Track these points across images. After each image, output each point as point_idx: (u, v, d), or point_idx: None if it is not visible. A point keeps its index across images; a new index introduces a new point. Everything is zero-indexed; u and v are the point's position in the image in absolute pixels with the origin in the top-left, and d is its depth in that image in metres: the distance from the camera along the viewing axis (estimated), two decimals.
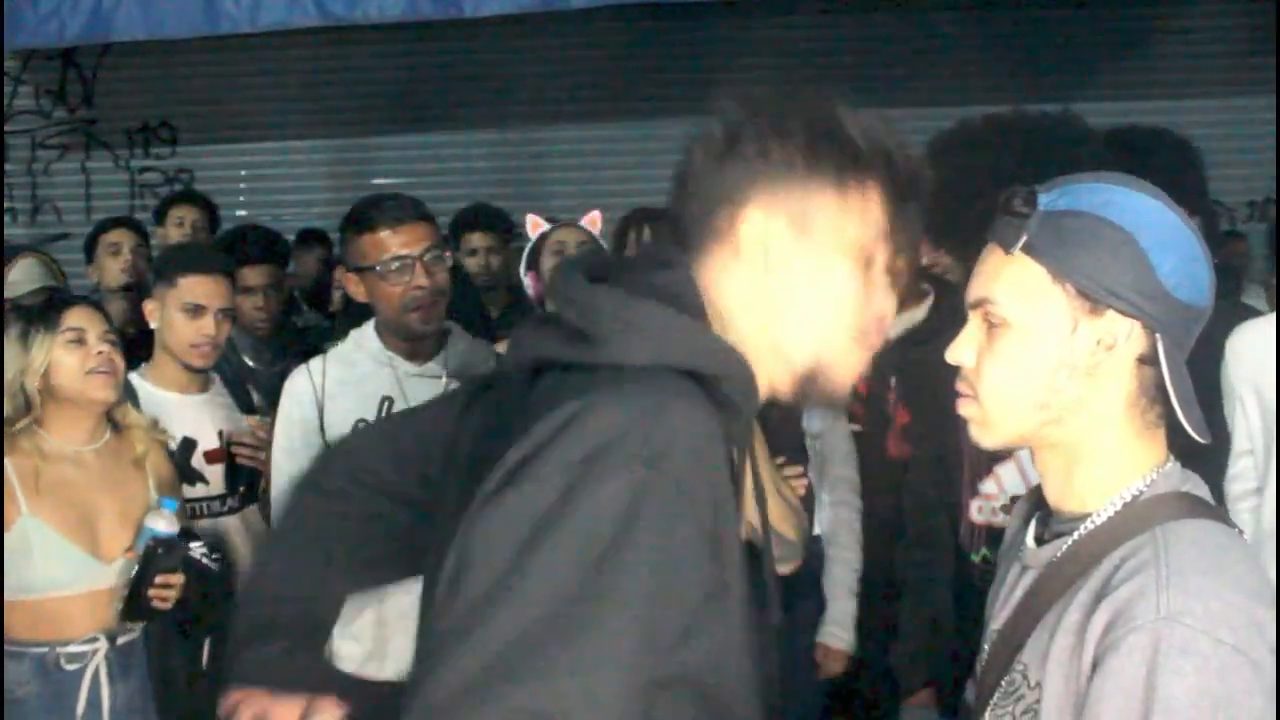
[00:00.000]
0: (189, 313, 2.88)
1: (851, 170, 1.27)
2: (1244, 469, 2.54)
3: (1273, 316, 2.54)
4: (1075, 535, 1.25)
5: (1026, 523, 1.38)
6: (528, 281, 3.23)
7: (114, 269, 4.10)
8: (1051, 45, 5.96)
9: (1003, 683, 1.27)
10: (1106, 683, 1.11)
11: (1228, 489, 2.55)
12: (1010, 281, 1.24)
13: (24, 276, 3.72)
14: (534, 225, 3.52)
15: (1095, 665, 1.13)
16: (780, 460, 2.29)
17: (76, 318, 2.55)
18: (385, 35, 5.28)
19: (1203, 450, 1.25)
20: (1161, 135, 2.88)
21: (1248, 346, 2.48)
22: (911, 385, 2.72)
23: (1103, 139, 2.36)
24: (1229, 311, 2.43)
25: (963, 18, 5.94)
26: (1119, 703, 1.10)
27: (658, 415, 1.11)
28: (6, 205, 6.30)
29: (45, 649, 2.44)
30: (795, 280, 1.26)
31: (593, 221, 3.43)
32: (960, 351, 1.29)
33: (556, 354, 1.23)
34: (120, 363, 2.59)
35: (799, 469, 2.32)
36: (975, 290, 1.28)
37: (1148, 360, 1.22)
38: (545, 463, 1.08)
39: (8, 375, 2.50)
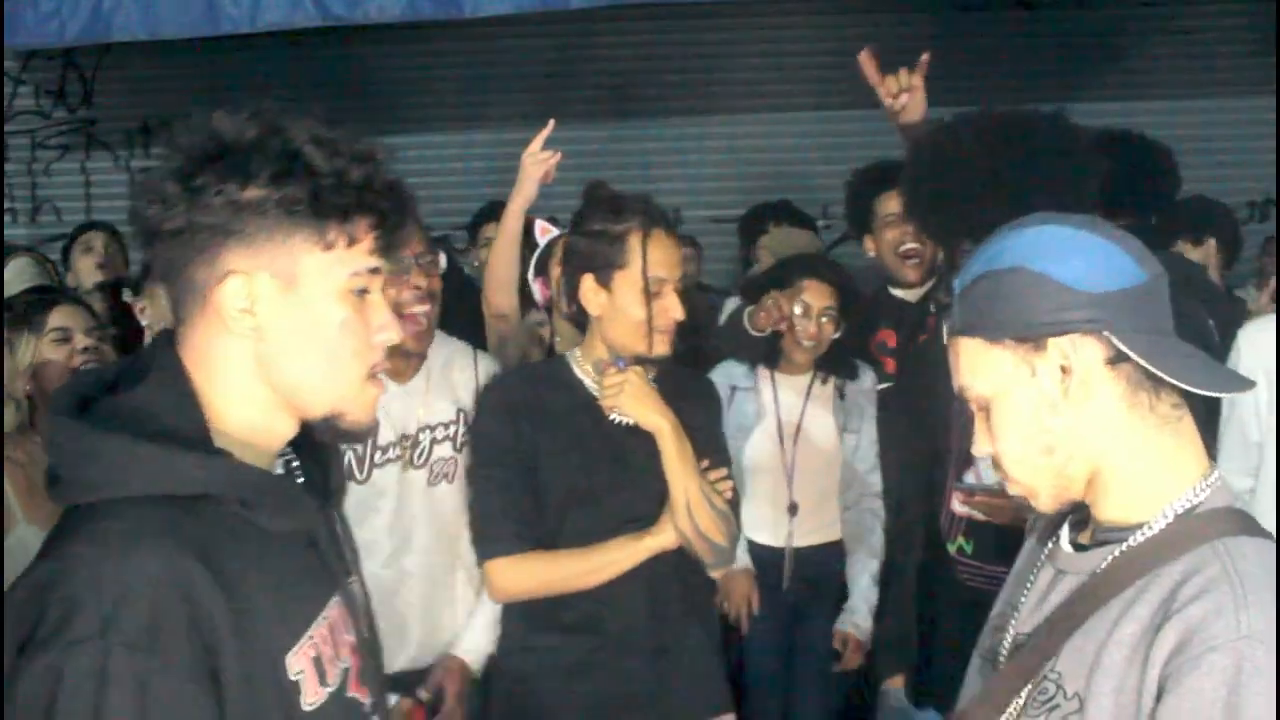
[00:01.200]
0: None
1: (329, 211, 1.21)
2: (1251, 464, 2.52)
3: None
4: (1124, 545, 1.26)
5: (1056, 526, 1.40)
6: (535, 286, 3.21)
7: (89, 267, 4.12)
8: (1051, 45, 5.96)
9: (1034, 689, 1.28)
10: (1184, 701, 1.12)
11: (1233, 480, 2.55)
12: (966, 364, 1.33)
13: (17, 276, 3.72)
14: (543, 230, 3.47)
15: (1165, 683, 1.14)
16: (704, 464, 2.33)
17: (61, 316, 2.57)
18: (385, 35, 5.28)
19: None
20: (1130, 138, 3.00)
21: (1266, 341, 2.47)
22: (904, 382, 2.74)
23: (1091, 138, 2.38)
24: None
25: (962, 18, 5.94)
26: (1203, 718, 1.11)
27: (103, 570, 1.09)
28: (6, 205, 6.30)
29: None
30: (290, 339, 1.23)
31: (543, 230, 3.30)
32: (981, 445, 1.35)
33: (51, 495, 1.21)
34: (110, 355, 2.59)
35: (723, 472, 2.35)
36: (956, 387, 1.36)
37: (1116, 359, 1.25)
38: (33, 649, 1.08)
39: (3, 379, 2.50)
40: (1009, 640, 1.37)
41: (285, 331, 1.22)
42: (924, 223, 2.49)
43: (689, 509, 2.26)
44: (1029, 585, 1.39)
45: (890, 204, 3.16)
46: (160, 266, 1.25)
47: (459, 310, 3.45)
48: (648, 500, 2.30)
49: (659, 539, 2.27)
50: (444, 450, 2.59)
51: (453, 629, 2.58)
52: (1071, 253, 1.26)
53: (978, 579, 2.38)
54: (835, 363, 3.30)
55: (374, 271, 1.27)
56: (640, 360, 2.32)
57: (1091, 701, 1.20)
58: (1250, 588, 1.15)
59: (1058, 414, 1.26)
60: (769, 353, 3.34)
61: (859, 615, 3.28)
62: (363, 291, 1.26)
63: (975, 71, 5.76)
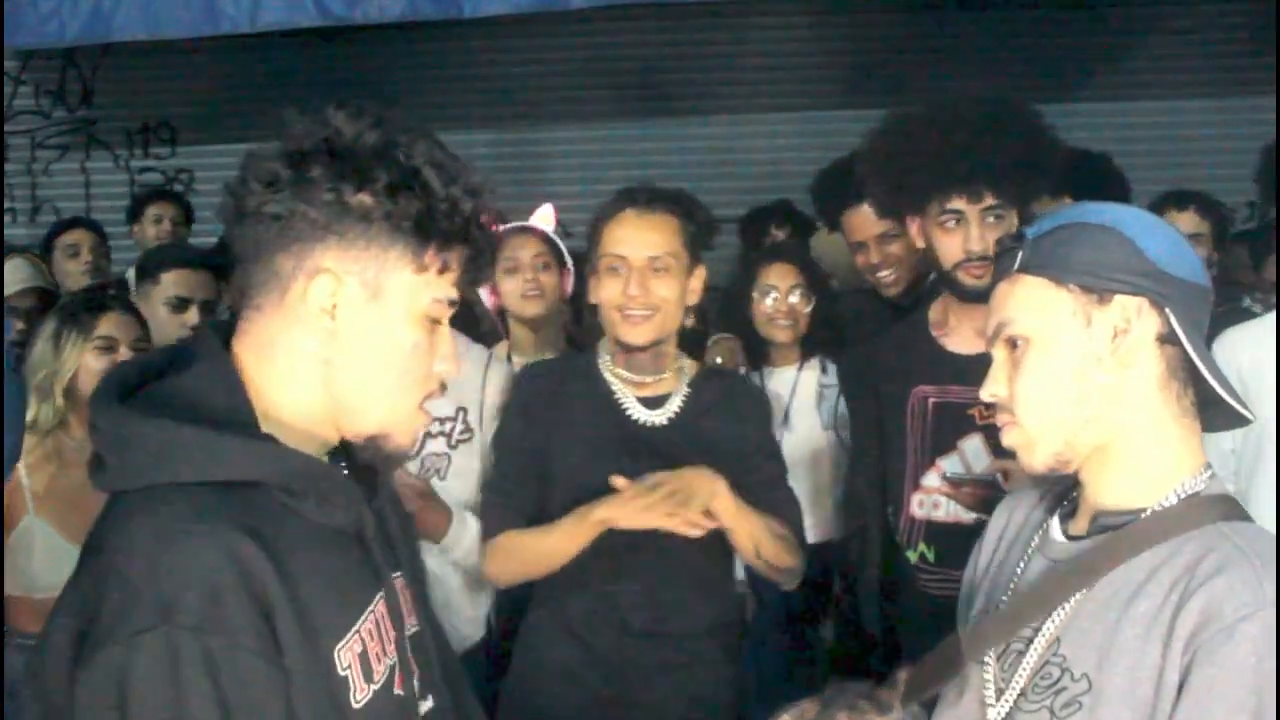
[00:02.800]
0: (173, 306, 2.91)
1: (433, 234, 1.21)
2: (1228, 472, 2.54)
3: (1268, 318, 2.54)
4: (1132, 524, 1.29)
5: (1038, 524, 1.42)
6: (484, 293, 3.12)
7: (74, 271, 4.08)
8: (1051, 45, 5.96)
9: (1037, 675, 1.30)
10: (1220, 671, 1.16)
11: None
12: (1019, 300, 1.32)
13: (11, 277, 3.70)
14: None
15: (1195, 655, 1.17)
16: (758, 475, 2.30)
17: (109, 325, 2.56)
18: (385, 36, 5.28)
19: None
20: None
21: (1245, 342, 2.49)
22: (851, 382, 2.71)
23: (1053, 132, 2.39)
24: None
25: (962, 18, 5.94)
26: (1237, 690, 1.15)
27: (158, 557, 1.09)
28: (6, 205, 6.30)
29: None
30: (361, 348, 1.22)
31: (545, 219, 3.22)
32: (993, 386, 1.35)
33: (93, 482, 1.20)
34: None
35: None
36: (990, 323, 1.35)
37: (1167, 339, 1.28)
38: (95, 643, 1.08)
39: (38, 375, 2.51)
40: (997, 629, 1.38)
41: (359, 340, 1.22)
42: (886, 204, 2.48)
43: (756, 550, 2.22)
44: (1015, 578, 1.40)
45: (855, 228, 3.06)
46: (244, 245, 1.22)
47: (463, 309, 3.44)
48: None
49: (610, 511, 2.14)
50: (437, 445, 2.60)
51: (446, 624, 2.58)
52: (1160, 232, 1.31)
53: (944, 586, 2.31)
54: (820, 342, 3.32)
55: (452, 303, 1.27)
56: (625, 347, 2.27)
57: (1105, 680, 1.22)
58: (1265, 561, 1.20)
59: (1101, 370, 1.28)
60: (755, 348, 3.39)
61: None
62: (435, 321, 1.26)
63: (975, 71, 5.75)
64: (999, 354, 1.35)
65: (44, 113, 6.45)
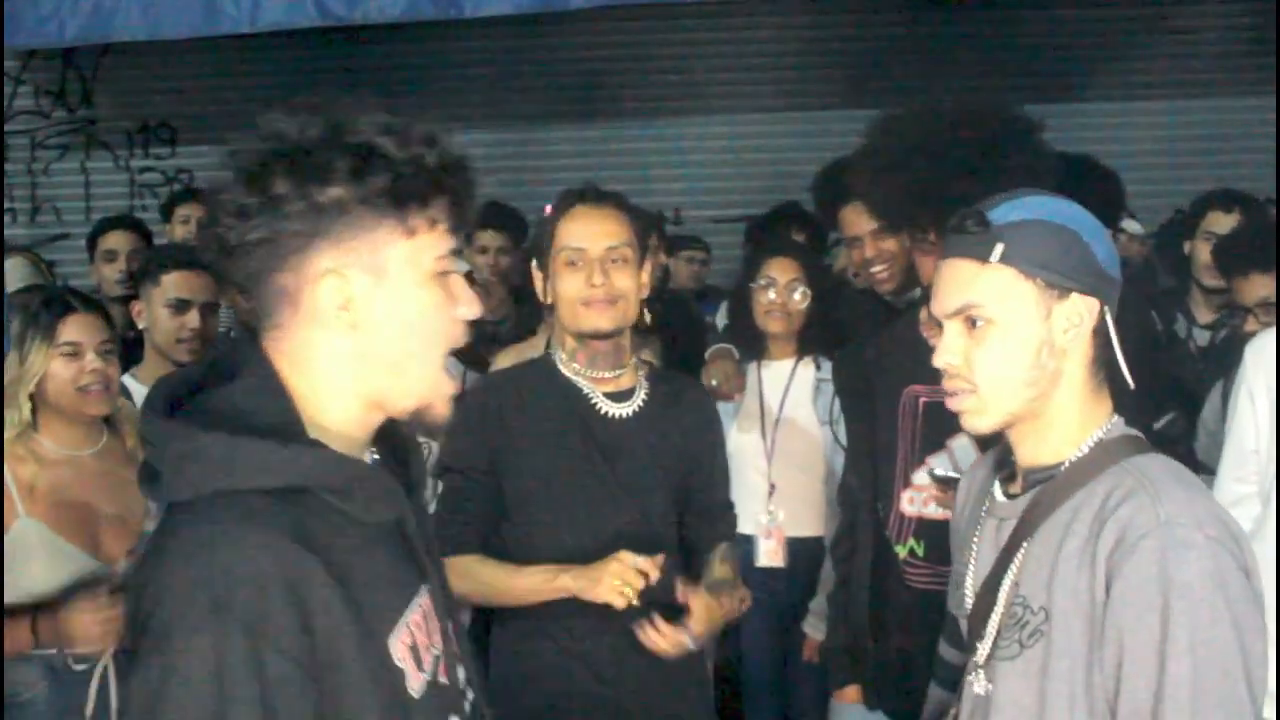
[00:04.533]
0: (173, 308, 2.90)
1: (410, 198, 1.22)
2: (1249, 470, 2.57)
3: None
4: (1055, 476, 1.51)
5: (986, 488, 1.64)
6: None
7: (110, 278, 4.01)
8: (1051, 45, 5.96)
9: (1005, 615, 1.51)
10: (1127, 586, 1.37)
11: (1232, 487, 2.58)
12: (987, 286, 1.49)
13: (10, 276, 3.70)
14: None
15: (1111, 573, 1.38)
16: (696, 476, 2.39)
17: (73, 329, 2.51)
18: (385, 35, 5.28)
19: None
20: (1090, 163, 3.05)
21: (1271, 355, 2.52)
22: (843, 381, 2.72)
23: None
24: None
25: (962, 17, 5.94)
26: (1139, 597, 1.36)
27: (212, 558, 1.12)
28: (6, 205, 6.30)
29: (53, 651, 2.43)
30: (387, 329, 1.25)
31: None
32: (947, 355, 1.53)
33: (148, 495, 1.24)
34: (115, 374, 2.56)
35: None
36: (952, 300, 1.52)
37: (1098, 330, 1.50)
38: (147, 635, 1.12)
39: (5, 380, 2.49)
40: (969, 593, 1.60)
41: (382, 322, 1.24)
42: (885, 208, 2.49)
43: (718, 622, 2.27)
44: (975, 542, 1.61)
45: (851, 224, 3.10)
46: (240, 277, 1.25)
47: None
48: (631, 494, 2.28)
49: (575, 584, 2.15)
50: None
51: None
52: (1101, 235, 1.51)
53: (931, 581, 2.34)
54: (817, 340, 3.34)
55: (454, 251, 1.29)
56: (589, 337, 2.27)
57: (1054, 608, 1.44)
58: (1161, 488, 1.41)
59: (1052, 356, 1.49)
60: (755, 343, 3.41)
61: (819, 617, 3.28)
62: (444, 274, 1.28)
63: (976, 71, 5.76)
64: (955, 326, 1.52)
65: (44, 113, 6.45)
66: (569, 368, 2.33)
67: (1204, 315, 3.84)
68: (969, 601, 1.60)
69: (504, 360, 3.05)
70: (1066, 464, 1.50)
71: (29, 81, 6.42)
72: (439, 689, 1.29)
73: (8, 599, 2.42)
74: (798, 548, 3.33)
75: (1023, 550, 1.50)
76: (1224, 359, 3.15)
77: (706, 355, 3.52)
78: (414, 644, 1.26)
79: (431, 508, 2.53)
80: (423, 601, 1.30)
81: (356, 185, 1.20)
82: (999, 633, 1.51)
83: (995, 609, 1.53)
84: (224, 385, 1.25)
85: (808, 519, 3.33)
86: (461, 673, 1.36)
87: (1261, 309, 3.10)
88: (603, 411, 2.31)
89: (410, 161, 1.22)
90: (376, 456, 1.35)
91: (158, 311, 2.92)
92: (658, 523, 2.31)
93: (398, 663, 1.22)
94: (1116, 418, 1.54)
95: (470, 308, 1.31)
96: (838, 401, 3.00)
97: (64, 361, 2.49)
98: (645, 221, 2.41)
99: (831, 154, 3.53)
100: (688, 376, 2.92)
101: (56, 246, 6.09)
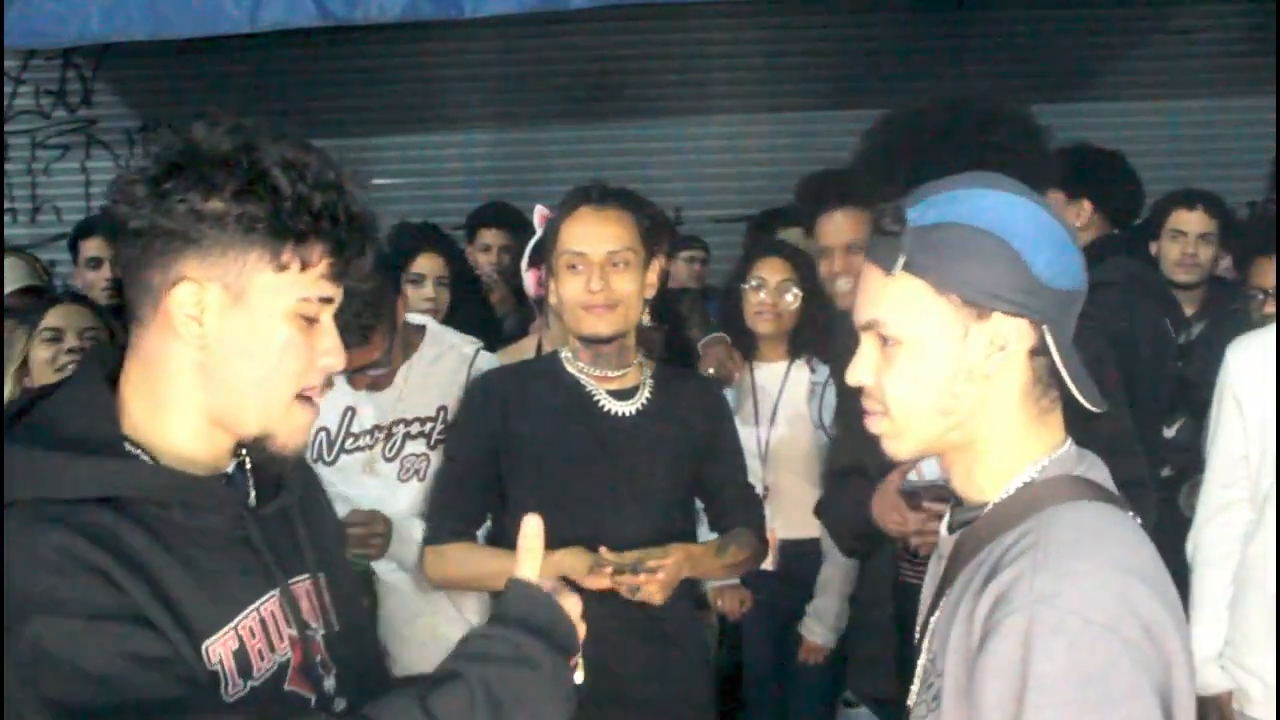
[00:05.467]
0: None
1: (287, 233, 1.24)
2: (1238, 476, 2.56)
3: (1271, 330, 2.56)
4: (977, 519, 1.31)
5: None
6: (528, 279, 3.18)
7: (96, 287, 3.95)
8: (1051, 45, 5.96)
9: (924, 674, 1.34)
10: (988, 662, 1.17)
11: (1220, 494, 2.56)
12: (895, 301, 1.28)
13: (9, 277, 3.69)
14: (541, 218, 3.38)
15: (980, 645, 1.19)
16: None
17: (56, 316, 2.59)
18: (385, 35, 5.28)
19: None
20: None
21: (1258, 358, 2.51)
22: (839, 377, 2.72)
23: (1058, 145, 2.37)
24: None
25: (962, 18, 5.94)
26: (998, 683, 1.16)
27: (11, 558, 1.15)
28: (6, 205, 6.30)
29: None
30: (231, 351, 1.26)
31: (541, 218, 3.19)
32: (858, 373, 1.33)
33: None
34: None
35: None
36: (863, 313, 1.32)
37: (1038, 351, 1.27)
38: None
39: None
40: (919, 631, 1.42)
41: (228, 343, 1.26)
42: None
43: (720, 580, 2.28)
44: (929, 575, 1.45)
45: (826, 233, 3.04)
46: (121, 265, 1.28)
47: (466, 308, 3.45)
48: (633, 490, 2.29)
49: (573, 565, 2.18)
50: (417, 446, 2.61)
51: (429, 626, 2.59)
52: (1045, 241, 1.26)
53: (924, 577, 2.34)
54: (809, 341, 3.34)
55: (325, 300, 1.30)
56: (590, 341, 2.29)
57: (947, 674, 1.25)
58: (1051, 553, 1.19)
59: (971, 382, 1.27)
60: (745, 344, 3.42)
61: (817, 621, 3.29)
62: (308, 318, 1.29)
63: (976, 71, 5.76)
64: (869, 343, 1.32)
65: (44, 113, 6.45)
66: (574, 365, 2.35)
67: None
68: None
69: (499, 360, 3.06)
70: (990, 506, 1.30)
71: (29, 81, 6.42)
72: (278, 696, 1.29)
73: None
74: (793, 550, 3.33)
75: (945, 599, 1.32)
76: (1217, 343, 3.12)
77: (700, 346, 3.52)
78: (241, 649, 1.26)
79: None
80: (264, 609, 1.30)
81: (236, 204, 1.22)
82: (917, 690, 1.36)
83: (920, 662, 1.36)
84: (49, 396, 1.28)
85: (803, 522, 3.33)
86: (330, 683, 1.36)
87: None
88: (606, 409, 2.33)
89: (295, 199, 1.23)
90: (229, 470, 1.36)
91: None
92: (661, 517, 2.32)
93: (211, 666, 1.22)
94: (1066, 448, 1.32)
95: (334, 359, 1.31)
96: (829, 401, 3.01)
97: (45, 346, 2.56)
98: (655, 220, 2.40)
99: (831, 154, 3.52)
100: (692, 370, 2.92)
101: (56, 247, 6.09)
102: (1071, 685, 1.12)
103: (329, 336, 1.31)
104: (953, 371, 1.27)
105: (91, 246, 4.07)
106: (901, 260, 1.26)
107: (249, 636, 1.27)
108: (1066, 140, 3.33)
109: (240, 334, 1.26)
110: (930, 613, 1.35)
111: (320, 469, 2.43)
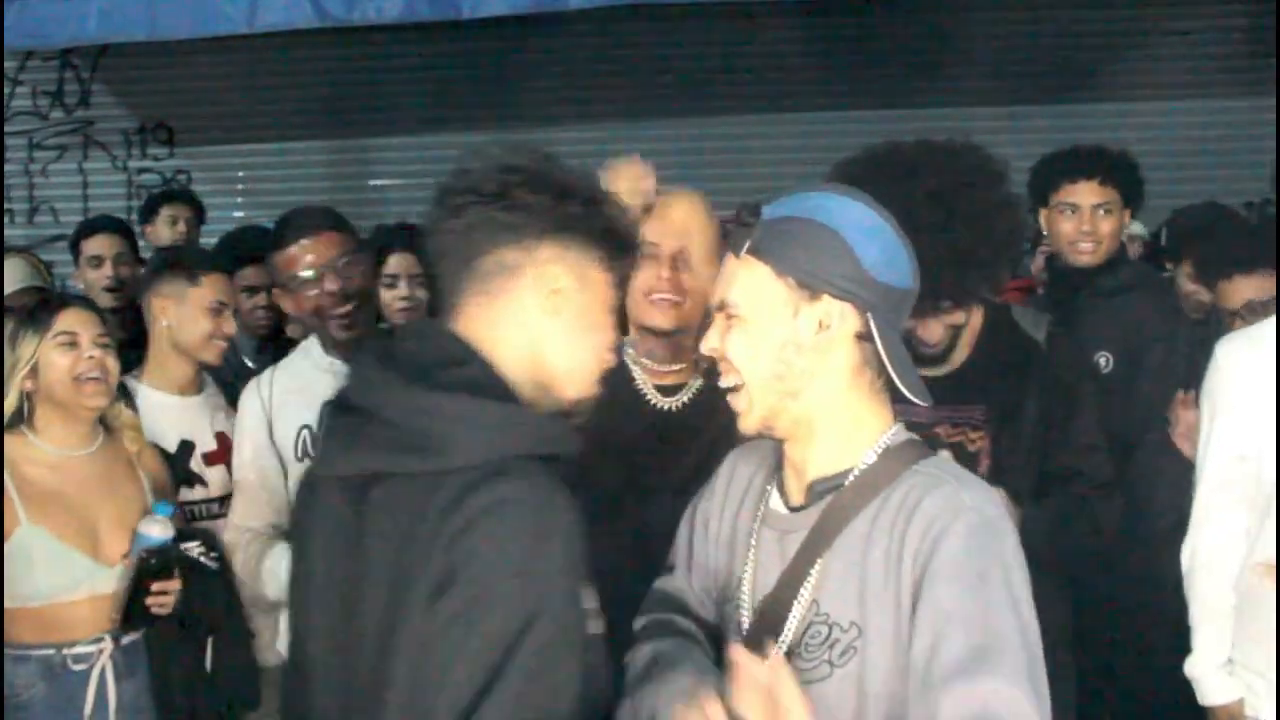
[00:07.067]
0: (213, 311, 2.88)
1: (613, 243, 1.52)
2: (1233, 477, 2.48)
3: (1264, 326, 2.52)
4: (844, 485, 1.50)
5: (760, 494, 1.62)
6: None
7: (97, 285, 3.94)
8: (1051, 45, 5.96)
9: (803, 637, 1.47)
10: (943, 564, 1.38)
11: (1214, 497, 2.49)
12: (742, 282, 1.51)
13: (9, 277, 3.68)
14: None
15: (923, 563, 1.39)
16: None
17: (69, 320, 2.51)
18: (384, 36, 5.27)
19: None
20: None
21: (1250, 355, 2.46)
22: None
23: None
24: None
25: (962, 18, 5.93)
26: (954, 567, 1.37)
27: (541, 525, 1.33)
28: (4, 206, 6.29)
29: (51, 651, 2.43)
30: (570, 328, 1.49)
31: None
32: (709, 341, 1.55)
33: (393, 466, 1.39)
34: (113, 367, 2.56)
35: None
36: (716, 294, 1.55)
37: (864, 337, 1.49)
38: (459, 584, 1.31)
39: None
40: (746, 608, 1.56)
41: (575, 317, 1.49)
42: None
43: None
44: (750, 556, 1.58)
45: None
46: (463, 243, 1.47)
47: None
48: (666, 482, 2.23)
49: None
50: None
51: None
52: (876, 240, 1.49)
53: None
54: None
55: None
56: (647, 330, 2.29)
57: (868, 623, 1.42)
58: (959, 479, 1.46)
59: (800, 355, 1.48)
60: None
61: None
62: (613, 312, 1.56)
63: (976, 71, 5.76)
64: (718, 319, 1.53)
65: (42, 114, 6.44)
66: (626, 355, 2.35)
67: None
68: (745, 616, 1.56)
69: None
70: (855, 472, 1.50)
71: (26, 82, 6.42)
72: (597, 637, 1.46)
73: (12, 605, 2.41)
74: None
75: (818, 566, 1.48)
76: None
77: None
78: None
79: None
80: None
81: (584, 211, 1.49)
82: (796, 651, 1.47)
83: (786, 627, 1.49)
84: (457, 366, 1.43)
85: None
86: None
87: (1247, 311, 3.03)
88: (651, 402, 2.33)
89: (615, 217, 1.56)
90: None
91: (194, 312, 2.86)
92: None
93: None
94: (898, 424, 1.55)
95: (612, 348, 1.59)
96: None
97: (61, 351, 2.49)
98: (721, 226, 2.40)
99: (831, 154, 3.51)
100: None
101: (54, 247, 6.08)
102: (1018, 557, 1.41)
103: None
104: (782, 343, 1.48)
105: (95, 245, 4.05)
106: (749, 245, 1.49)
107: None
108: (1067, 141, 3.31)
109: (582, 311, 1.53)
110: (795, 583, 1.49)
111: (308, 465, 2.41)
